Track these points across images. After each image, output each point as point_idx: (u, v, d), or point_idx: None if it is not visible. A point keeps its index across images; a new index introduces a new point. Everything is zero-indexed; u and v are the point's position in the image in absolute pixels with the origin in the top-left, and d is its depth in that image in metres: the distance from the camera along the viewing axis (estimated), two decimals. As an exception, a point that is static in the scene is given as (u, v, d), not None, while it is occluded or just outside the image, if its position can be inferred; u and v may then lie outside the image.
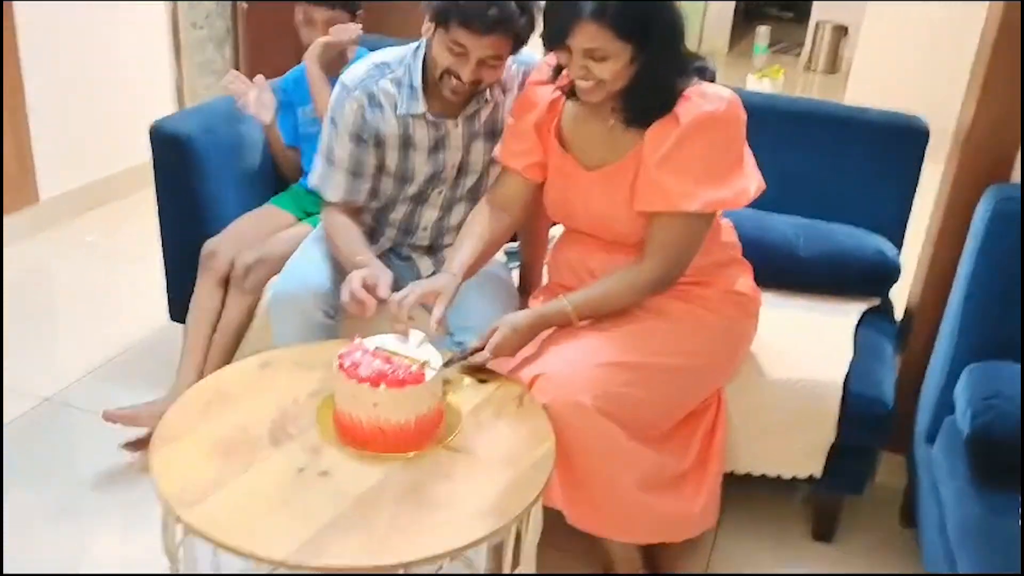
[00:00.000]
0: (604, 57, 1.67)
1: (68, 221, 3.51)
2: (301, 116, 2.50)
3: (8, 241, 3.24)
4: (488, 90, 1.96)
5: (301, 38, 2.49)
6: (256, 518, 1.37)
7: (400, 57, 1.99)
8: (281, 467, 1.48)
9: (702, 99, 1.74)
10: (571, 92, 1.82)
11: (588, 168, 1.85)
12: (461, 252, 1.86)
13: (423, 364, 1.58)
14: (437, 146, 2.02)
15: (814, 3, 7.30)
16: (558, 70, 1.81)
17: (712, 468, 1.93)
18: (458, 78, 1.86)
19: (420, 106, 1.96)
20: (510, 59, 1.93)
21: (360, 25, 2.48)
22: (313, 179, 2.08)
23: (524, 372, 1.76)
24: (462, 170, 2.07)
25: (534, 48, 1.90)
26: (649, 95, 1.74)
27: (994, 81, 2.06)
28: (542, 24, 1.72)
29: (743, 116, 1.77)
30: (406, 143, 2.01)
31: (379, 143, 2.01)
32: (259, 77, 2.45)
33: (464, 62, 1.83)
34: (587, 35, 1.65)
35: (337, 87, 2.01)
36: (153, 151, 2.38)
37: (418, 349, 1.63)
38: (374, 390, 1.51)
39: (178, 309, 2.52)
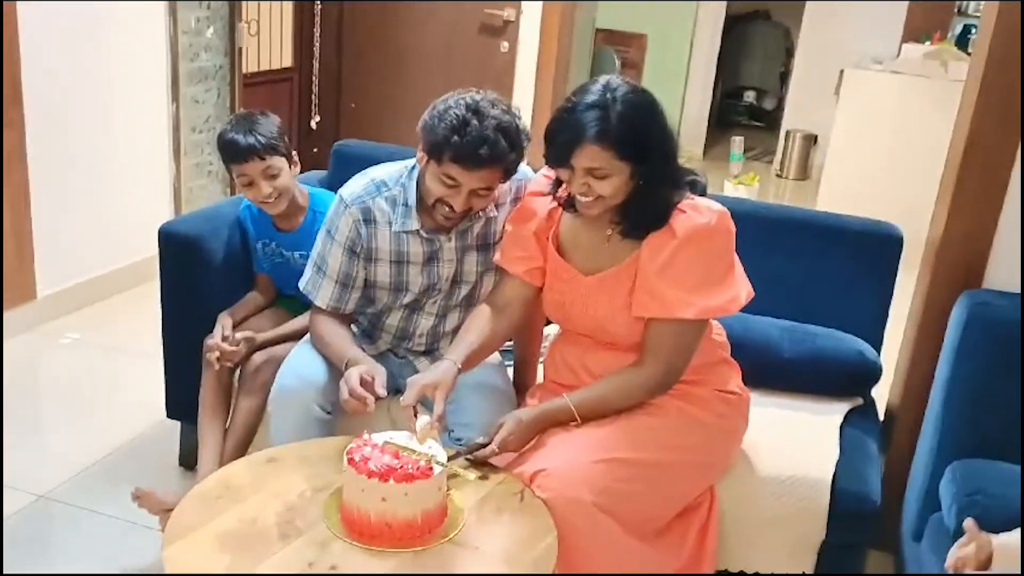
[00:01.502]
0: (605, 176, 1.78)
1: (64, 317, 3.53)
2: (262, 250, 2.47)
3: (4, 336, 3.26)
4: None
5: (248, 198, 2.37)
6: (269, 612, 1.40)
7: (397, 175, 2.08)
8: (291, 562, 1.51)
9: (696, 212, 1.84)
10: (568, 204, 1.93)
11: (586, 274, 1.94)
12: (462, 343, 1.94)
13: (431, 459, 1.63)
14: (431, 260, 2.09)
15: (784, 113, 7.64)
16: (558, 183, 1.92)
17: (706, 564, 1.96)
18: (450, 207, 1.95)
19: (414, 224, 2.04)
20: None
21: (298, 166, 2.38)
22: (302, 283, 2.14)
23: (525, 467, 1.81)
24: (456, 281, 2.14)
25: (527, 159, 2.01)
26: (646, 209, 1.85)
27: (964, 191, 2.20)
28: (545, 143, 1.83)
29: (733, 228, 1.88)
30: (400, 258, 2.09)
31: (371, 258, 2.08)
32: (225, 320, 2.35)
33: (456, 194, 1.93)
34: (590, 156, 1.76)
35: (335, 200, 2.09)
36: (160, 252, 2.44)
37: (425, 445, 1.68)
38: (383, 484, 1.55)
39: (176, 407, 2.55)
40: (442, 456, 1.67)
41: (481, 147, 1.85)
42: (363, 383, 1.85)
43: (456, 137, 1.85)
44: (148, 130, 3.89)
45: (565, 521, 1.71)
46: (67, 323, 3.52)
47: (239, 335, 2.30)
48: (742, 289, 1.91)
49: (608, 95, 1.77)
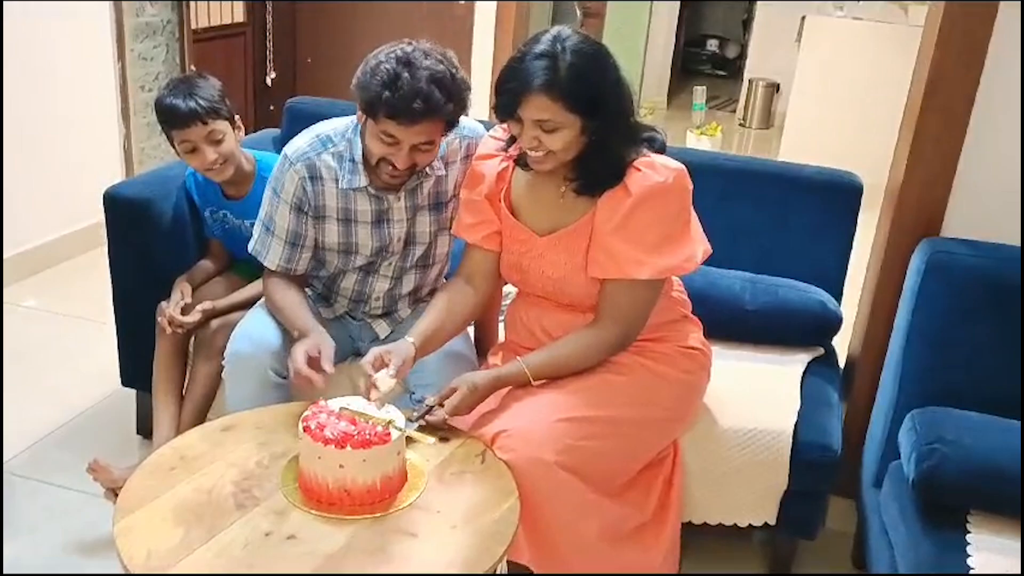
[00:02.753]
0: (555, 128, 1.73)
1: (13, 284, 3.45)
2: (210, 218, 2.40)
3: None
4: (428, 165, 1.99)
5: (192, 166, 2.27)
6: (225, 585, 1.37)
7: (343, 130, 2.01)
8: (247, 532, 1.48)
9: (652, 170, 1.81)
10: (521, 161, 1.89)
11: (540, 234, 1.91)
12: (422, 322, 1.90)
13: (388, 424, 1.60)
14: (380, 219, 2.04)
15: (746, 61, 7.59)
16: (511, 140, 1.88)
17: (671, 517, 1.97)
18: (393, 165, 1.89)
19: (362, 180, 1.98)
20: (452, 133, 1.97)
21: (242, 130, 2.30)
22: (251, 244, 2.09)
23: (486, 428, 1.79)
24: (409, 242, 2.10)
25: (478, 116, 1.96)
26: (600, 166, 1.81)
27: (923, 138, 2.18)
28: (494, 95, 1.78)
29: (690, 186, 1.85)
30: (347, 217, 2.03)
31: (319, 216, 2.03)
32: (184, 287, 2.31)
33: (397, 150, 1.86)
34: (537, 106, 1.71)
35: (280, 158, 2.03)
36: (107, 217, 2.37)
37: (383, 410, 1.66)
38: (340, 451, 1.53)
39: (131, 375, 2.50)
40: (400, 420, 1.64)
41: (414, 101, 1.78)
42: (309, 361, 1.80)
43: (388, 93, 1.78)
44: (94, 89, 3.77)
45: (528, 481, 1.70)
46: (19, 290, 3.43)
47: (198, 307, 2.24)
48: (699, 247, 1.88)
49: (558, 45, 1.72)
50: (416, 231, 2.08)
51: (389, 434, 1.57)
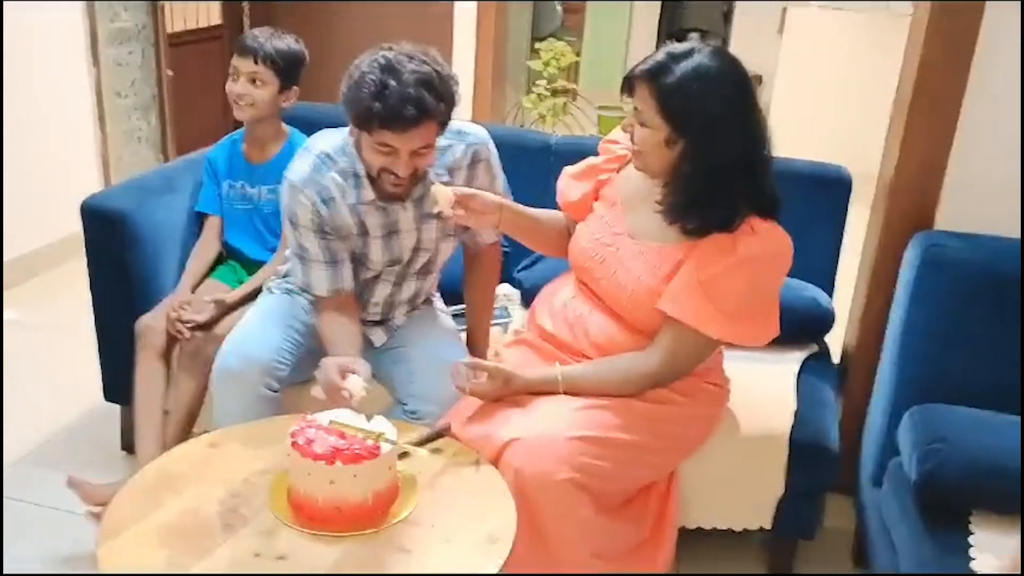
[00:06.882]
0: (644, 123, 1.72)
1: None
2: (227, 190, 2.44)
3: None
4: (430, 172, 1.95)
5: (228, 91, 2.35)
6: (214, 610, 1.33)
7: (340, 146, 1.96)
8: (236, 553, 1.44)
9: (766, 238, 1.75)
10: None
11: (632, 235, 1.86)
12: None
13: (379, 437, 1.56)
14: (390, 233, 2.01)
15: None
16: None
17: (666, 536, 1.93)
18: (395, 175, 1.85)
19: (369, 194, 1.94)
20: (458, 142, 1.97)
21: (292, 101, 2.38)
22: (295, 280, 2.05)
23: (496, 432, 1.75)
24: (416, 250, 2.06)
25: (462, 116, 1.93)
26: (691, 198, 1.74)
27: (914, 130, 2.15)
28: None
29: (790, 263, 1.80)
30: (362, 231, 1.99)
31: (340, 235, 1.98)
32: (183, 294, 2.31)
33: (396, 160, 1.82)
34: (639, 94, 1.72)
35: (285, 186, 1.97)
36: (85, 229, 2.32)
37: (372, 422, 1.61)
38: (330, 467, 1.48)
39: (114, 390, 2.45)
40: (391, 433, 1.60)
41: (405, 107, 1.74)
42: (342, 372, 1.73)
43: (378, 104, 1.74)
44: (69, 97, 3.70)
45: (536, 495, 1.68)
46: (-4, 304, 3.36)
47: (207, 298, 2.24)
48: (772, 328, 1.84)
49: (694, 48, 1.70)
50: (423, 239, 2.04)
51: (379, 448, 1.53)
